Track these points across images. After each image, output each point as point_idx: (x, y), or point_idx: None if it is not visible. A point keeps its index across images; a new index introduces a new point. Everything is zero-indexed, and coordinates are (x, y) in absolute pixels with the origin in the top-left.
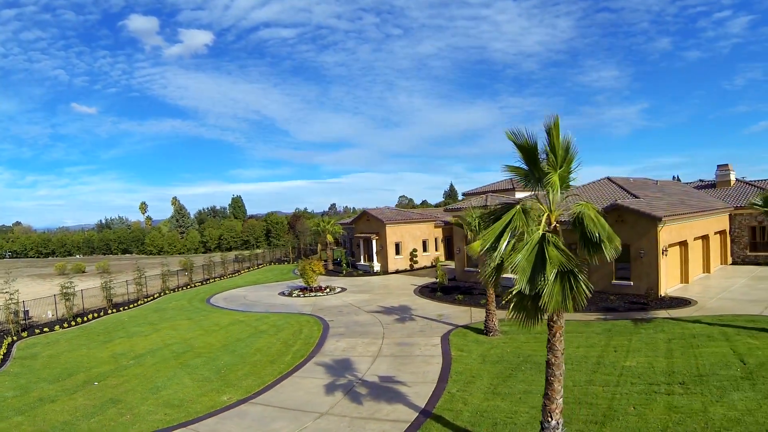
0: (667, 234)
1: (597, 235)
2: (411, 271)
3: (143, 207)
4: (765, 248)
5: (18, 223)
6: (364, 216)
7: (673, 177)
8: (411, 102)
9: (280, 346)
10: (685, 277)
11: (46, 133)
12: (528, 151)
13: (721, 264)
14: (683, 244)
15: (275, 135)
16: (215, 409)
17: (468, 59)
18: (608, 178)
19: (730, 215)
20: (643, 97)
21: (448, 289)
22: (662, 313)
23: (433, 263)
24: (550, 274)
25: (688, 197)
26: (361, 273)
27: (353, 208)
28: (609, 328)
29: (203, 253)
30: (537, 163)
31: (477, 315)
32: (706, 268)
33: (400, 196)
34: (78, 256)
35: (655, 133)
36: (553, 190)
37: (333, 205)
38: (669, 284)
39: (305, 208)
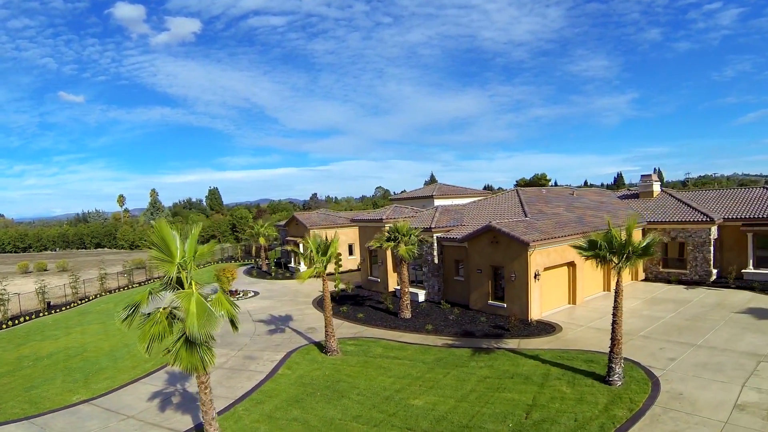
0: (544, 257)
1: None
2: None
3: (121, 199)
4: (676, 265)
5: (0, 216)
6: (294, 220)
7: (655, 170)
8: (401, 90)
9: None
10: (572, 299)
11: (34, 122)
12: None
13: (632, 280)
14: (571, 265)
15: (264, 123)
16: (59, 407)
17: (458, 48)
18: (516, 190)
19: (643, 230)
20: (632, 87)
21: (344, 298)
22: (513, 343)
23: (359, 267)
24: (149, 341)
25: (596, 212)
26: (289, 276)
27: (335, 197)
28: (442, 357)
29: None
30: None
31: (342, 331)
32: (607, 286)
33: (376, 187)
34: (56, 250)
35: (645, 123)
36: (178, 274)
37: (314, 195)
38: (548, 307)
39: (278, 200)
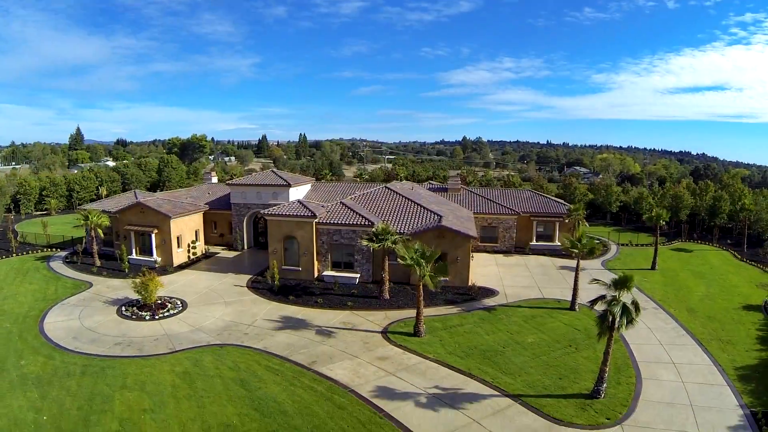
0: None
1: None
2: (192, 264)
3: None
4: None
5: None
6: (137, 207)
7: (297, 137)
8: (24, 31)
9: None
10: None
11: None
12: None
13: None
14: None
15: None
16: None
17: None
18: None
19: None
20: (254, 53)
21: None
22: None
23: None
24: None
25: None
26: (127, 269)
27: None
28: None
29: None
30: None
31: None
32: None
33: None
34: None
35: (263, 86)
36: None
37: None
38: None
39: None
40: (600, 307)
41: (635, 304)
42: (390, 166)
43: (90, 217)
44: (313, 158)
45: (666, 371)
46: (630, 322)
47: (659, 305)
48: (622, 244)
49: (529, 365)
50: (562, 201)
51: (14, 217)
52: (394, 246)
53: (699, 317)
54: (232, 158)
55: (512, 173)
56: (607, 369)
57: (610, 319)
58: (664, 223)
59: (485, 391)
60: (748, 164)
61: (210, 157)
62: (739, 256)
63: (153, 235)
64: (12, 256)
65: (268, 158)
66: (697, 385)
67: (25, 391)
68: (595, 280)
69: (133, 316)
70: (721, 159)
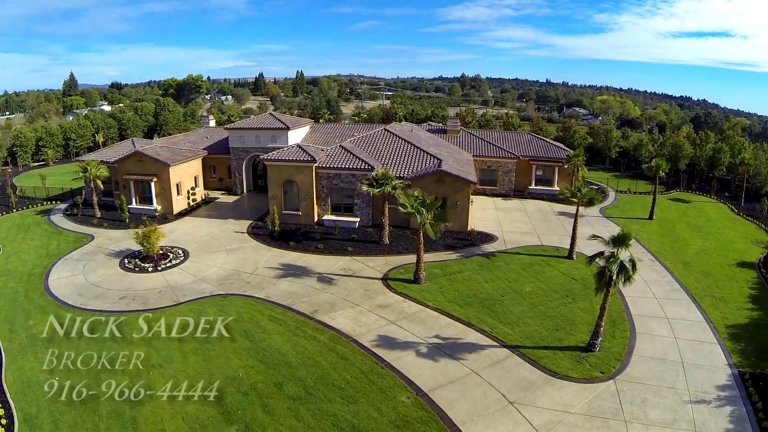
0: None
1: None
2: (192, 210)
3: None
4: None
5: None
6: (136, 156)
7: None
8: None
9: None
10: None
11: None
12: None
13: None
14: None
15: None
16: None
17: None
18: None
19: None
20: None
21: (284, 234)
22: None
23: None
24: None
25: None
26: (128, 219)
27: None
28: None
29: None
30: None
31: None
32: None
33: None
34: None
35: (260, 22)
36: None
37: None
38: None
39: None
40: (599, 262)
41: (632, 261)
42: (388, 103)
43: (89, 168)
44: (311, 95)
45: (659, 326)
46: (627, 279)
47: (655, 257)
48: (621, 191)
49: (526, 315)
50: (561, 145)
51: (12, 170)
52: (393, 191)
53: (694, 272)
54: (229, 97)
55: (511, 112)
56: (603, 324)
57: (608, 276)
58: (663, 174)
59: (484, 341)
60: (748, 113)
61: (206, 96)
62: (736, 210)
63: (152, 184)
64: (12, 211)
65: (265, 96)
66: (688, 341)
67: (35, 352)
68: (594, 236)
69: (136, 269)
70: (722, 106)
